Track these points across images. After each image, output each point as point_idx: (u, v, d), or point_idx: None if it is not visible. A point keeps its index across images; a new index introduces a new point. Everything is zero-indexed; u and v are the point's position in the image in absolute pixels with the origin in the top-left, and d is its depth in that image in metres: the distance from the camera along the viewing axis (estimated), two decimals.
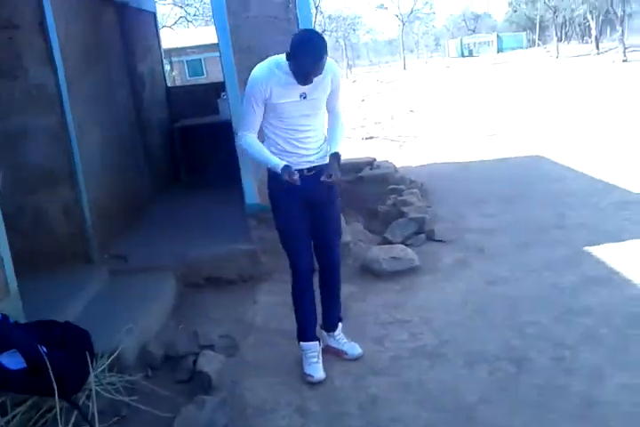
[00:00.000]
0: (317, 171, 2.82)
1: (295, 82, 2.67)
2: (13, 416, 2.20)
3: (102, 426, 2.33)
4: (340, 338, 3.13)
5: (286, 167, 2.68)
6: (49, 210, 4.06)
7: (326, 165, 2.81)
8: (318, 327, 3.12)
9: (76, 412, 2.29)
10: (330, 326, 3.14)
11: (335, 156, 2.82)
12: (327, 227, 3.00)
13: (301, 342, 3.00)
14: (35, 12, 3.84)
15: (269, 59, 2.77)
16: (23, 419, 2.26)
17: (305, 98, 2.73)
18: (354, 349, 3.10)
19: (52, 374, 2.14)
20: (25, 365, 2.19)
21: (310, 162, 2.84)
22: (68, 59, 4.07)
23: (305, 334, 3.01)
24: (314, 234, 2.98)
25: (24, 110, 3.94)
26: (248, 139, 2.80)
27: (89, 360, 2.37)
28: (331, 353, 3.10)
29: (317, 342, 3.02)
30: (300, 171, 2.78)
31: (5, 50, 3.85)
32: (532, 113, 11.78)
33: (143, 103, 6.25)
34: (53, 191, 4.05)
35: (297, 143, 2.80)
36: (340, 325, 3.16)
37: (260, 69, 2.73)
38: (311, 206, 2.90)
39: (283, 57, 2.68)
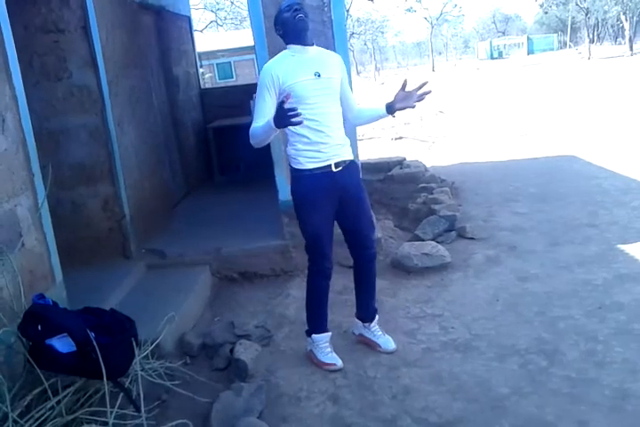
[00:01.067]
0: (345, 166, 2.87)
1: (305, 60, 2.77)
2: (64, 397, 2.31)
3: (145, 409, 2.42)
4: (376, 330, 3.19)
5: (276, 112, 2.57)
6: (89, 205, 4.21)
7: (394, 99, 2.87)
8: (354, 317, 3.23)
9: (121, 395, 2.39)
10: (367, 317, 3.19)
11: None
12: (362, 221, 3.02)
13: (314, 335, 3.06)
14: (79, 17, 3.99)
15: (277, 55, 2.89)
16: (72, 400, 2.37)
17: (319, 76, 2.78)
18: (388, 343, 3.15)
19: (100, 358, 2.24)
20: (75, 348, 2.29)
21: (337, 155, 2.85)
22: (108, 61, 4.22)
23: (320, 326, 3.08)
24: (349, 230, 3.02)
25: (67, 110, 4.10)
26: (252, 127, 2.77)
27: (134, 346, 2.47)
28: (363, 343, 3.18)
29: (329, 333, 3.11)
30: (329, 166, 2.83)
31: (51, 53, 4.02)
32: (563, 114, 11.67)
33: (178, 105, 6.40)
34: (94, 188, 4.20)
35: (323, 129, 2.79)
36: (376, 316, 3.21)
37: (269, 62, 2.85)
38: (341, 203, 2.91)
39: (286, 49, 2.85)
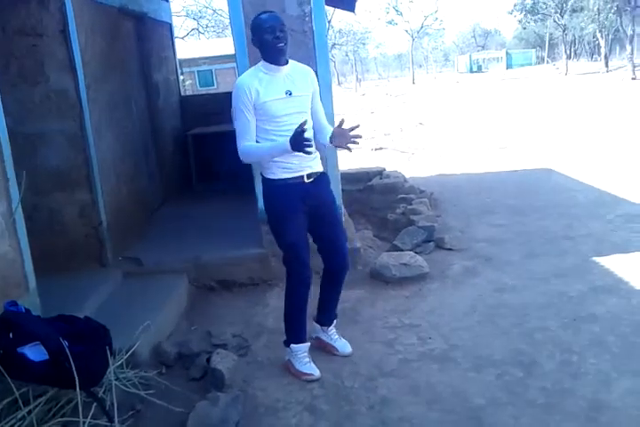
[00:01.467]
0: (316, 177, 2.93)
1: (277, 79, 2.78)
2: (35, 406, 2.26)
3: (119, 419, 2.38)
4: (333, 334, 3.24)
5: (293, 137, 2.62)
6: (66, 212, 4.14)
7: (334, 135, 2.79)
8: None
9: (94, 404, 2.35)
10: (328, 322, 3.24)
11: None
12: (335, 230, 3.06)
13: (293, 345, 3.05)
14: (58, 21, 3.95)
15: (247, 70, 2.89)
16: (43, 410, 2.32)
17: (290, 95, 2.81)
18: (345, 347, 3.21)
19: (73, 367, 2.20)
20: (47, 357, 2.25)
21: (309, 167, 2.90)
22: (87, 66, 4.18)
23: (299, 336, 3.07)
24: (322, 239, 3.04)
25: (44, 115, 4.04)
26: (246, 146, 2.79)
27: (108, 355, 2.43)
28: (319, 346, 3.22)
29: (308, 343, 3.11)
30: (301, 177, 2.87)
31: (28, 57, 3.96)
32: (541, 127, 11.86)
33: (157, 111, 6.36)
34: (70, 194, 4.13)
35: None
36: (334, 321, 3.26)
37: (241, 77, 2.83)
38: (315, 213, 2.95)
39: (259, 64, 2.83)
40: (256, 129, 2.81)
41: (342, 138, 2.77)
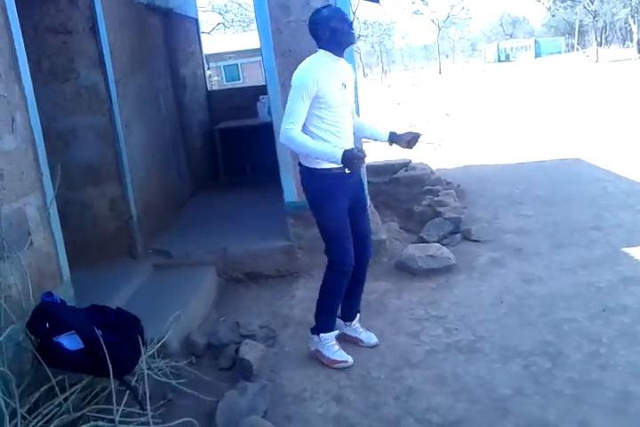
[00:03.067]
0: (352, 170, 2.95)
1: (337, 70, 2.86)
2: (71, 394, 2.33)
3: (151, 407, 2.44)
4: (357, 327, 3.27)
5: (351, 157, 2.72)
6: (97, 206, 4.24)
7: (400, 135, 3.10)
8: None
9: (127, 393, 2.42)
10: (351, 317, 3.27)
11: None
12: (364, 222, 3.13)
13: (323, 334, 3.08)
14: (87, 18, 4.03)
15: (308, 58, 2.90)
16: (79, 397, 2.39)
17: (345, 87, 2.89)
18: (370, 337, 3.25)
19: (107, 355, 2.27)
20: (82, 346, 2.32)
21: None
22: (116, 62, 4.26)
23: (330, 325, 3.11)
24: (352, 229, 3.06)
25: (74, 111, 4.13)
26: (295, 132, 2.79)
27: (140, 344, 2.50)
28: (347, 341, 3.22)
29: (337, 331, 3.15)
30: (343, 168, 2.87)
31: (59, 54, 4.05)
32: (570, 117, 11.66)
33: (185, 106, 6.44)
34: (101, 188, 4.23)
35: (341, 135, 2.91)
36: (358, 315, 3.29)
37: (307, 63, 2.86)
38: (350, 204, 3.01)
39: (320, 52, 2.87)
40: (307, 115, 2.84)
41: (408, 141, 3.08)
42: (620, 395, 2.59)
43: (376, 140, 3.23)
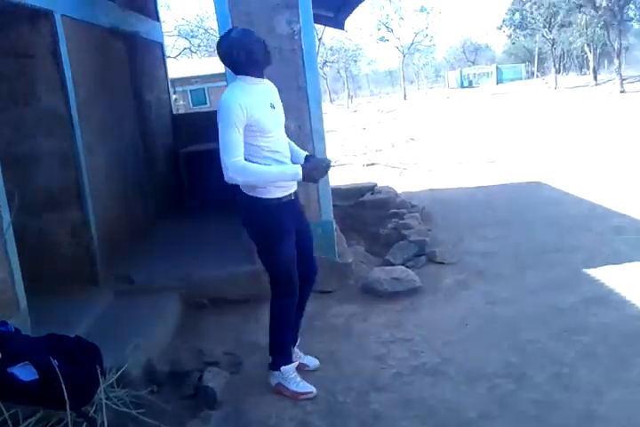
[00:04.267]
0: (296, 194, 2.96)
1: (261, 91, 2.76)
2: None
3: None
4: (298, 352, 3.20)
5: (314, 168, 2.70)
6: (56, 231, 4.16)
7: (316, 159, 2.92)
8: (326, 342, 3.30)
9: (84, 424, 2.34)
10: (295, 339, 3.20)
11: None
12: (308, 245, 3.08)
13: (284, 367, 2.99)
14: (49, 42, 4.00)
15: (228, 88, 2.80)
16: None
17: (274, 108, 2.80)
18: (312, 361, 3.23)
19: (63, 386, 2.19)
20: (37, 376, 2.24)
21: (294, 184, 2.92)
22: (78, 86, 4.22)
23: (289, 357, 3.05)
24: (301, 254, 3.01)
25: (35, 135, 4.07)
26: (243, 163, 2.64)
27: (98, 374, 2.43)
28: None
29: (296, 362, 3.09)
30: (291, 195, 2.89)
31: (19, 77, 4.00)
32: (531, 141, 11.96)
33: (149, 130, 6.40)
34: (61, 213, 4.15)
35: (284, 160, 2.82)
36: (298, 340, 3.23)
37: (229, 92, 2.71)
38: (296, 228, 2.96)
39: (239, 79, 2.75)
40: (248, 147, 2.70)
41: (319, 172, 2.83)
42: (582, 415, 2.61)
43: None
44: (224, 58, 2.75)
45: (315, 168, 2.67)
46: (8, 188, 3.00)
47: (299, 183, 2.92)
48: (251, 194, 2.82)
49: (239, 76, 2.76)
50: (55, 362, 2.27)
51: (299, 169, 2.67)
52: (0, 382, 2.25)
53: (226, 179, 2.68)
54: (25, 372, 2.25)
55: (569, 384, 2.86)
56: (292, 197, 2.90)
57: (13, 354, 2.26)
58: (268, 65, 2.80)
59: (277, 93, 2.92)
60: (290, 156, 2.92)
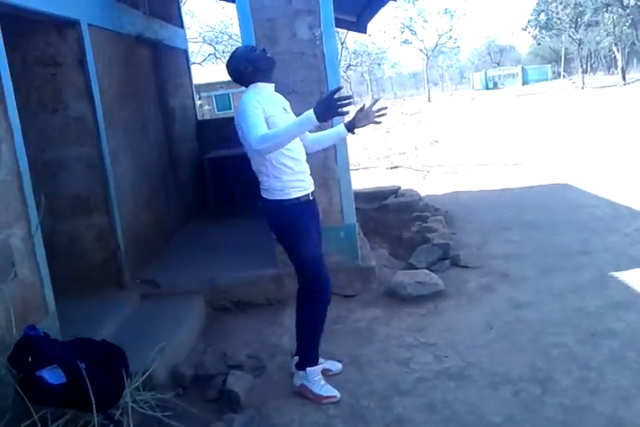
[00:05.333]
0: (313, 195, 3.01)
1: (273, 96, 2.94)
2: None
3: None
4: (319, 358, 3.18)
5: (323, 102, 2.55)
6: (84, 236, 4.23)
7: (356, 114, 2.94)
8: (348, 346, 3.28)
9: (111, 426, 2.37)
10: None
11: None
12: (321, 246, 3.12)
13: (309, 369, 3.00)
14: (75, 51, 4.08)
15: (245, 92, 2.91)
16: None
17: (287, 111, 2.95)
18: (335, 364, 3.23)
19: (90, 389, 2.23)
20: (65, 380, 2.29)
21: (312, 184, 3.02)
22: (104, 94, 4.30)
23: (316, 358, 3.06)
24: None
25: (62, 142, 4.15)
26: (261, 134, 2.64)
27: (124, 377, 2.46)
28: None
29: (322, 365, 3.11)
30: (308, 195, 2.96)
31: (47, 85, 4.09)
32: (557, 142, 11.80)
33: (174, 135, 6.48)
34: (88, 218, 4.22)
35: (302, 159, 2.95)
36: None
37: (246, 95, 2.85)
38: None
39: (252, 86, 2.90)
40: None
41: (369, 117, 2.92)
42: (610, 421, 2.57)
43: (338, 137, 3.13)
44: (234, 74, 2.95)
45: (324, 104, 2.53)
46: (38, 193, 3.06)
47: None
48: (270, 198, 2.92)
49: (251, 85, 2.93)
50: (82, 365, 2.31)
51: (310, 113, 2.54)
52: (29, 384, 2.30)
53: (256, 155, 2.79)
54: (53, 375, 2.30)
55: (596, 389, 2.81)
56: (310, 197, 2.97)
57: (42, 358, 2.31)
58: (273, 67, 2.95)
59: (288, 104, 3.05)
60: (304, 155, 3.00)
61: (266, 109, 2.78)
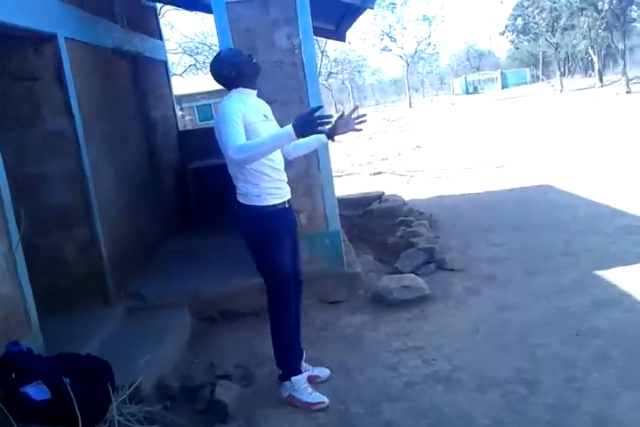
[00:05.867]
0: (289, 203, 3.01)
1: (254, 103, 2.91)
2: None
3: None
4: (306, 366, 3.19)
5: (303, 118, 2.54)
6: (66, 250, 4.19)
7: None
8: (336, 352, 3.28)
9: None
10: (300, 356, 3.17)
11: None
12: (298, 255, 3.17)
13: (294, 378, 2.99)
14: (53, 65, 4.06)
15: (227, 96, 2.90)
16: None
17: (267, 118, 2.93)
18: (323, 371, 3.22)
19: (75, 405, 2.21)
20: (49, 395, 2.27)
21: (288, 193, 3.01)
22: (83, 107, 4.28)
23: (297, 367, 3.06)
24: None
25: (42, 156, 4.12)
26: (239, 144, 2.63)
27: (110, 391, 2.44)
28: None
29: (306, 373, 3.09)
30: (285, 203, 2.95)
31: (25, 100, 4.06)
32: (537, 145, 11.94)
33: (156, 146, 6.45)
34: (70, 232, 4.18)
35: (279, 167, 2.93)
36: (304, 354, 3.21)
37: (227, 100, 2.85)
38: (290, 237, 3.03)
39: (234, 91, 2.89)
40: None
41: (349, 124, 2.88)
42: (596, 419, 2.59)
43: (318, 144, 3.10)
44: (218, 77, 2.93)
45: (304, 120, 2.54)
46: (18, 207, 3.04)
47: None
48: (246, 203, 2.90)
49: (232, 90, 2.91)
50: (67, 381, 2.29)
51: (290, 128, 2.54)
52: (13, 401, 2.27)
53: (233, 164, 2.76)
54: (38, 391, 2.28)
55: (582, 388, 2.83)
56: (287, 206, 2.96)
57: (25, 374, 2.29)
58: (258, 73, 2.94)
59: (270, 110, 3.04)
60: (283, 164, 2.99)
61: (247, 116, 2.77)
